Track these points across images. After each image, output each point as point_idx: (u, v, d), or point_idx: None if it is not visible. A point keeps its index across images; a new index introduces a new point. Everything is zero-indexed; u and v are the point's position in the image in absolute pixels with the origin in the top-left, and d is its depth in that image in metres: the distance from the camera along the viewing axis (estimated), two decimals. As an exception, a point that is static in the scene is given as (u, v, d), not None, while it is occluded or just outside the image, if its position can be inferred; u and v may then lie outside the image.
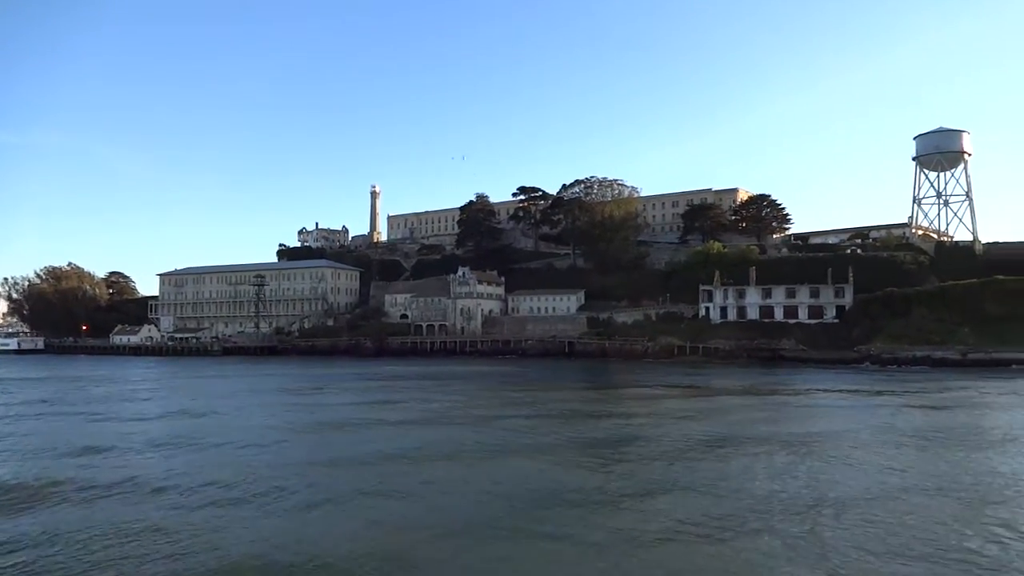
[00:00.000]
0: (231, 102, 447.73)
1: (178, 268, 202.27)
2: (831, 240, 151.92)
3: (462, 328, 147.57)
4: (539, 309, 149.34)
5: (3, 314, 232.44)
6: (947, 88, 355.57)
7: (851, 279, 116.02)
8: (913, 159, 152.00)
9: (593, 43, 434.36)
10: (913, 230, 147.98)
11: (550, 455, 31.67)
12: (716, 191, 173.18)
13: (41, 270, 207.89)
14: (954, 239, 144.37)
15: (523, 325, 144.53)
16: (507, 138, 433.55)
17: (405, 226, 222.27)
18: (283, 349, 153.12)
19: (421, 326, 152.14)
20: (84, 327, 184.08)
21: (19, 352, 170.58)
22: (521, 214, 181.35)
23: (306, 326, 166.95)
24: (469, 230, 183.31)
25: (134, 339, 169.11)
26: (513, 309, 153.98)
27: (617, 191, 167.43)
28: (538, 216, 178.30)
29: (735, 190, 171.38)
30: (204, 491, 24.92)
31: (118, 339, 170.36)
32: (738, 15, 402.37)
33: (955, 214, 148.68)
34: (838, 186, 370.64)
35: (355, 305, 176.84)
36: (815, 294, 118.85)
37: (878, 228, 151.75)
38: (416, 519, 21.35)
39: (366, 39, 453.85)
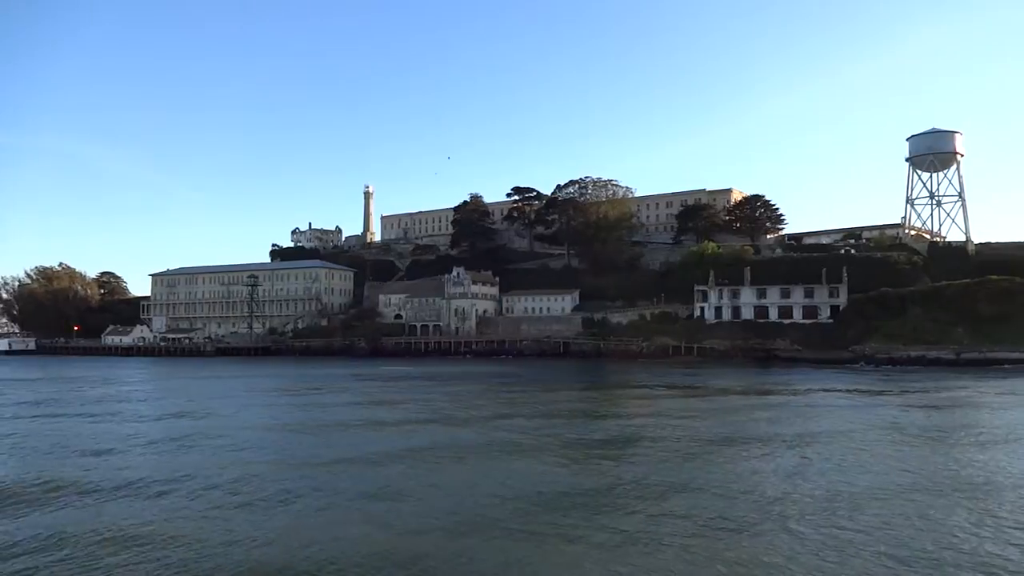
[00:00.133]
0: (223, 102, 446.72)
1: (170, 268, 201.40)
2: (824, 240, 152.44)
3: (456, 329, 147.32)
4: (534, 309, 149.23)
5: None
6: (940, 89, 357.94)
7: (846, 279, 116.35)
8: (906, 160, 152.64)
9: (587, 43, 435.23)
10: (906, 230, 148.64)
11: (553, 456, 31.54)
12: (710, 191, 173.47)
13: (32, 270, 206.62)
14: (947, 239, 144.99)
15: (518, 326, 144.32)
16: (501, 138, 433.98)
17: (399, 226, 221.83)
18: (277, 350, 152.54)
19: (415, 326, 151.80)
20: (75, 328, 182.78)
21: (10, 353, 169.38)
22: (515, 214, 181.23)
23: (300, 327, 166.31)
24: (463, 230, 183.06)
25: (126, 340, 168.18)
26: (508, 310, 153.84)
27: (612, 191, 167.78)
28: (532, 216, 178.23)
29: (729, 190, 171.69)
30: (207, 494, 24.70)
31: (110, 340, 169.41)
32: (732, 15, 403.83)
33: (948, 215, 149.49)
34: (831, 186, 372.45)
35: (349, 305, 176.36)
36: (810, 294, 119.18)
37: (871, 228, 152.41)
38: (424, 520, 21.21)
39: (359, 39, 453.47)
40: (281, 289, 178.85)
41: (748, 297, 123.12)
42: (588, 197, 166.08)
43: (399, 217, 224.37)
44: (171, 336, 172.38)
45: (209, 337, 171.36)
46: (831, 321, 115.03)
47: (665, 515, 20.89)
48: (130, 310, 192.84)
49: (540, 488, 24.81)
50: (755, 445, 33.38)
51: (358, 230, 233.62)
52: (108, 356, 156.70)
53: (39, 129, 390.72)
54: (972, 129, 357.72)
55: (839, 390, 61.00)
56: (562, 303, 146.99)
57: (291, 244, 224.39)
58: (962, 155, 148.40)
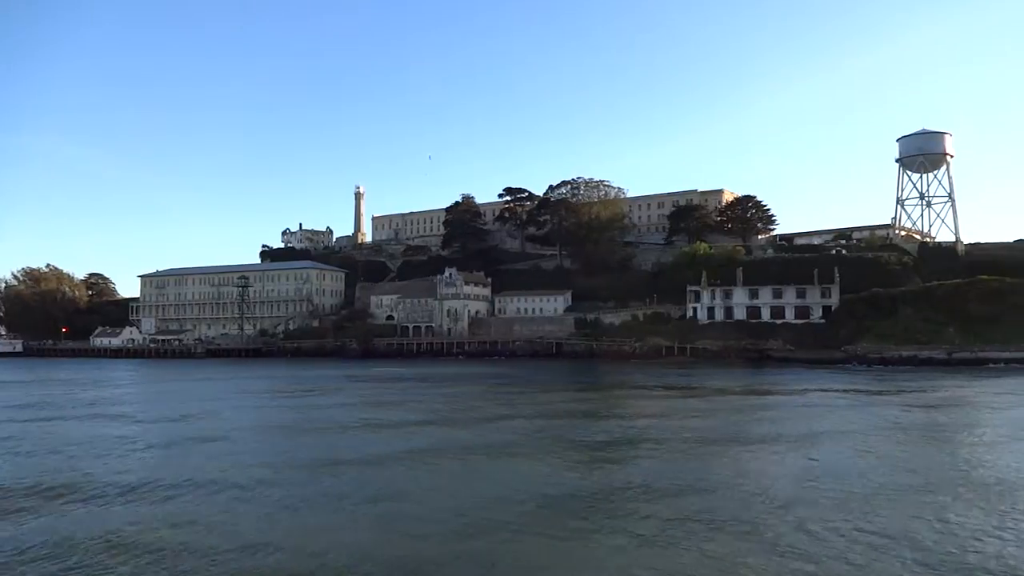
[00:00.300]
0: (212, 102, 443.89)
1: (159, 269, 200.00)
2: (816, 241, 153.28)
3: (449, 329, 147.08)
4: (526, 310, 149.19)
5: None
6: (930, 90, 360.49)
7: (837, 279, 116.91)
8: (896, 161, 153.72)
9: (579, 45, 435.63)
10: (896, 231, 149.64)
11: (559, 457, 31.35)
12: (701, 192, 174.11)
13: (18, 271, 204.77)
14: (936, 240, 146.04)
15: (510, 326, 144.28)
16: (493, 139, 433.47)
17: (390, 227, 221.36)
18: (268, 351, 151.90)
19: (407, 327, 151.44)
20: (63, 329, 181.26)
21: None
22: (507, 215, 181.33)
23: (291, 328, 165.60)
24: (455, 231, 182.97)
25: (115, 341, 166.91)
26: (500, 310, 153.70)
27: (604, 192, 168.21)
28: (524, 217, 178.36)
29: (720, 191, 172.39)
30: (212, 498, 24.31)
31: (99, 341, 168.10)
32: (723, 17, 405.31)
33: (938, 215, 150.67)
34: (822, 187, 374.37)
35: (340, 306, 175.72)
36: (801, 294, 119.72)
37: (861, 229, 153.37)
38: (434, 522, 20.97)
39: (349, 38, 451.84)
40: (272, 290, 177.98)
41: (740, 297, 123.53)
42: (580, 198, 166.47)
43: (390, 218, 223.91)
44: (161, 338, 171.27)
45: (199, 339, 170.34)
46: (823, 321, 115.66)
47: (679, 518, 20.62)
48: (118, 312, 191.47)
49: (550, 490, 24.58)
50: (761, 445, 33.29)
51: (349, 231, 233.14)
52: (97, 358, 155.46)
53: (23, 129, 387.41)
54: (962, 130, 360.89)
55: (836, 390, 61.15)
56: (554, 304, 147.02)
57: (281, 245, 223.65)
58: (952, 156, 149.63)
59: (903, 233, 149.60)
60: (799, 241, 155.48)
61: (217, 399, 60.72)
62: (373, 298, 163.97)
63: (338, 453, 32.82)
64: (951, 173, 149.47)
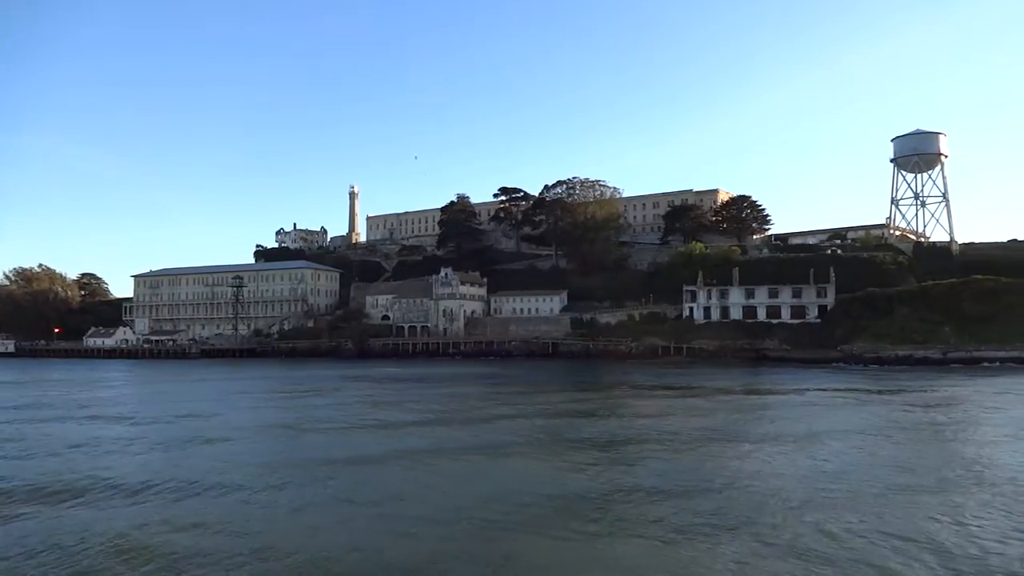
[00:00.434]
0: (206, 103, 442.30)
1: (153, 269, 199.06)
2: (811, 241, 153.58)
3: (444, 329, 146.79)
4: (522, 310, 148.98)
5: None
6: (924, 90, 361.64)
7: (833, 279, 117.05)
8: (891, 161, 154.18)
9: (573, 45, 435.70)
10: (891, 231, 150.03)
11: (561, 457, 31.27)
12: (697, 192, 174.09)
13: (10, 272, 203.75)
14: (931, 240, 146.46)
15: (506, 326, 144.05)
16: (488, 138, 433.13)
17: (385, 227, 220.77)
18: (263, 351, 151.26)
19: (403, 327, 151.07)
20: (56, 330, 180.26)
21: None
22: (503, 215, 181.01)
23: (286, 328, 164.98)
24: (450, 231, 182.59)
25: (109, 342, 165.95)
26: (496, 310, 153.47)
27: (599, 192, 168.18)
28: (520, 217, 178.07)
29: (716, 191, 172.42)
30: (220, 499, 24.19)
31: (92, 342, 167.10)
32: (718, 17, 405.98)
33: (932, 215, 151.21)
34: (816, 187, 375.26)
35: (335, 306, 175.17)
36: (797, 294, 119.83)
37: (856, 229, 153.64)
38: (430, 522, 20.88)
39: (344, 38, 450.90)
40: (266, 290, 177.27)
41: (736, 297, 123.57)
42: (576, 197, 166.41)
43: (385, 217, 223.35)
44: (154, 338, 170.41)
45: (193, 339, 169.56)
46: (819, 321, 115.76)
47: (693, 520, 20.38)
48: (111, 312, 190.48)
49: (561, 491, 24.45)
50: (766, 444, 33.26)
51: (343, 231, 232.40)
52: (90, 358, 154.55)
53: (17, 129, 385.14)
54: (956, 130, 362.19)
55: (836, 389, 61.18)
56: (550, 304, 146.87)
57: (275, 245, 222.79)
58: (946, 156, 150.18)
59: (898, 233, 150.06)
60: (794, 241, 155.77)
61: (214, 400, 60.39)
62: (368, 298, 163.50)
63: (339, 453, 32.66)
64: (945, 173, 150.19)
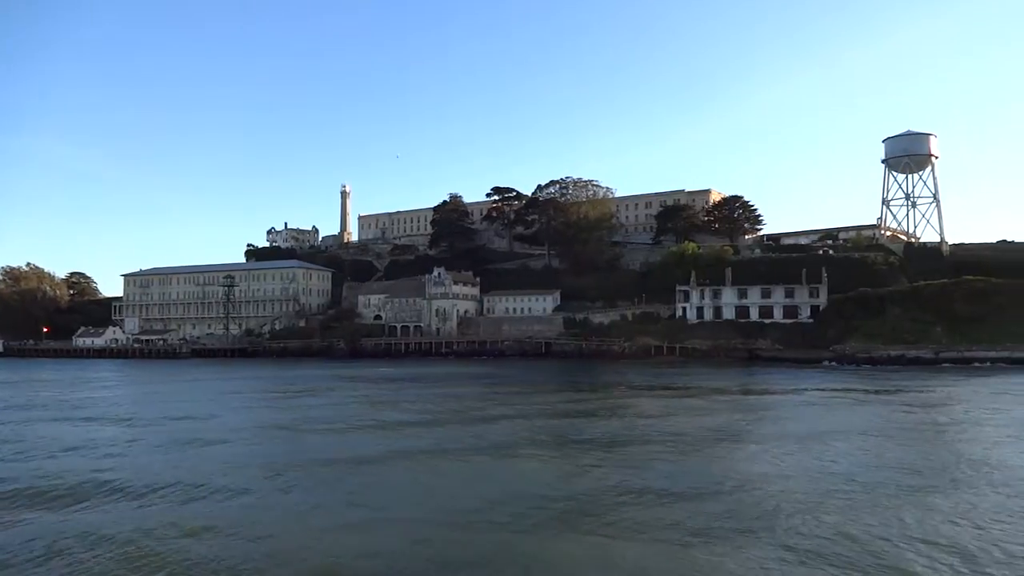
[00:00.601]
0: (197, 102, 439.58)
1: (143, 268, 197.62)
2: (802, 241, 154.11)
3: (437, 329, 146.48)
4: (515, 310, 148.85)
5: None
6: (915, 91, 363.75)
7: (825, 279, 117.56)
8: (882, 161, 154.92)
9: (565, 44, 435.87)
10: (882, 231, 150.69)
11: (567, 458, 31.21)
12: (689, 192, 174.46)
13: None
14: (921, 240, 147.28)
15: (499, 326, 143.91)
16: (481, 138, 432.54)
17: (376, 226, 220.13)
18: (254, 351, 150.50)
19: (395, 327, 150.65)
20: (45, 329, 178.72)
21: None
22: (495, 215, 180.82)
23: (277, 327, 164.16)
24: (442, 230, 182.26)
25: (99, 341, 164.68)
26: (488, 310, 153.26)
27: (592, 192, 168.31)
28: (512, 216, 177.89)
29: (708, 191, 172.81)
30: (229, 501, 24.03)
31: (81, 341, 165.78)
32: (710, 17, 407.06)
33: (923, 216, 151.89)
34: (808, 187, 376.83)
35: (327, 306, 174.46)
36: (790, 294, 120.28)
37: (847, 229, 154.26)
38: (433, 523, 20.84)
39: (336, 38, 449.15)
40: (258, 289, 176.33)
41: (729, 297, 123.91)
42: (569, 197, 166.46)
43: (377, 217, 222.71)
44: (144, 337, 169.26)
45: (184, 338, 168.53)
46: (811, 321, 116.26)
47: (712, 526, 20.23)
48: (101, 311, 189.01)
49: (573, 492, 24.35)
50: (772, 446, 33.24)
51: (335, 230, 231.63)
52: (80, 358, 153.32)
53: (8, 129, 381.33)
54: (946, 131, 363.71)
55: (833, 389, 61.35)
56: (543, 303, 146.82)
57: (267, 244, 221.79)
58: (937, 157, 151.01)
59: (888, 233, 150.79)
60: (786, 241, 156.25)
61: (209, 401, 59.99)
62: (361, 298, 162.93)
63: (342, 455, 32.55)
64: (936, 174, 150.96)
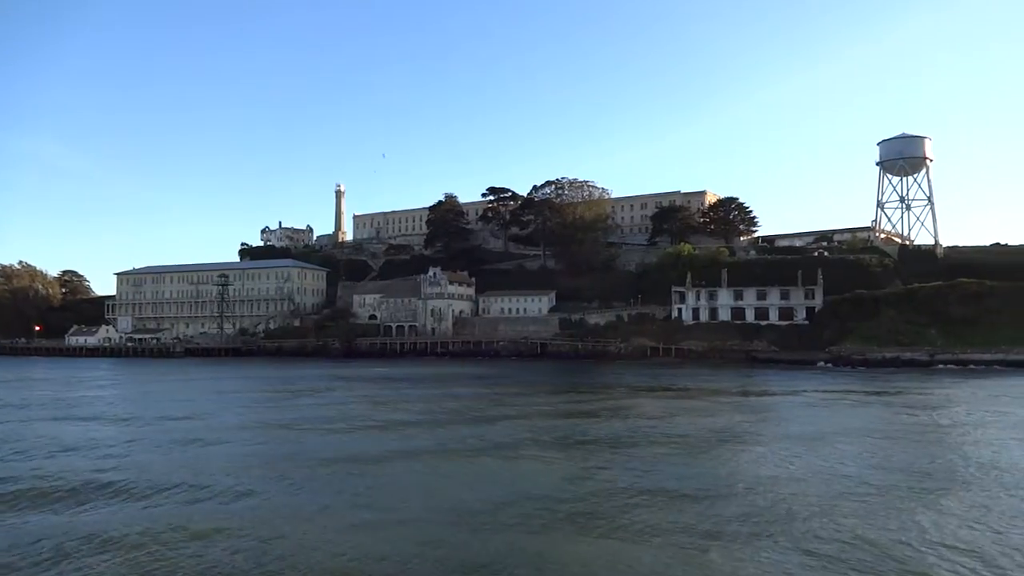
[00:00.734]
0: (190, 101, 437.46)
1: (136, 267, 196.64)
2: (797, 243, 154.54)
3: (433, 329, 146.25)
4: (510, 310, 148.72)
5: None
6: (910, 93, 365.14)
7: (821, 281, 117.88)
8: (877, 164, 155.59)
9: (561, 45, 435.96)
10: (877, 233, 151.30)
11: (572, 458, 31.13)
12: (684, 193, 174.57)
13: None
14: (915, 243, 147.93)
15: (495, 326, 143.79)
16: (476, 138, 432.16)
17: (371, 226, 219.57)
18: (248, 351, 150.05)
19: (391, 327, 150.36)
20: (37, 328, 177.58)
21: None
22: (491, 215, 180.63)
23: (271, 327, 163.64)
24: (438, 230, 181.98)
25: (91, 340, 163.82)
26: (484, 310, 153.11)
27: (588, 192, 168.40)
28: (508, 217, 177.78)
29: (703, 192, 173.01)
30: (237, 502, 23.86)
31: (74, 340, 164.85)
32: (704, 18, 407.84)
33: (917, 218, 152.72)
34: (803, 190, 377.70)
35: (322, 305, 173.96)
36: (785, 296, 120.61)
37: (842, 231, 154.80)
38: (453, 525, 20.71)
39: (332, 37, 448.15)
40: (252, 289, 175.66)
41: (725, 299, 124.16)
42: (564, 198, 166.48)
43: (371, 216, 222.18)
44: (138, 336, 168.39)
45: (178, 337, 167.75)
46: (807, 323, 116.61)
47: (728, 529, 19.99)
48: (93, 310, 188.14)
49: (584, 493, 24.23)
50: (779, 447, 33.19)
51: (329, 229, 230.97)
52: (73, 357, 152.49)
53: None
54: (941, 134, 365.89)
55: (835, 391, 61.42)
56: (539, 304, 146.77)
57: (261, 243, 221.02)
58: (931, 160, 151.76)
59: (883, 236, 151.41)
60: (781, 243, 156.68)
61: (207, 400, 59.71)
62: (356, 297, 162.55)
63: (347, 456, 32.40)
64: (930, 177, 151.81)
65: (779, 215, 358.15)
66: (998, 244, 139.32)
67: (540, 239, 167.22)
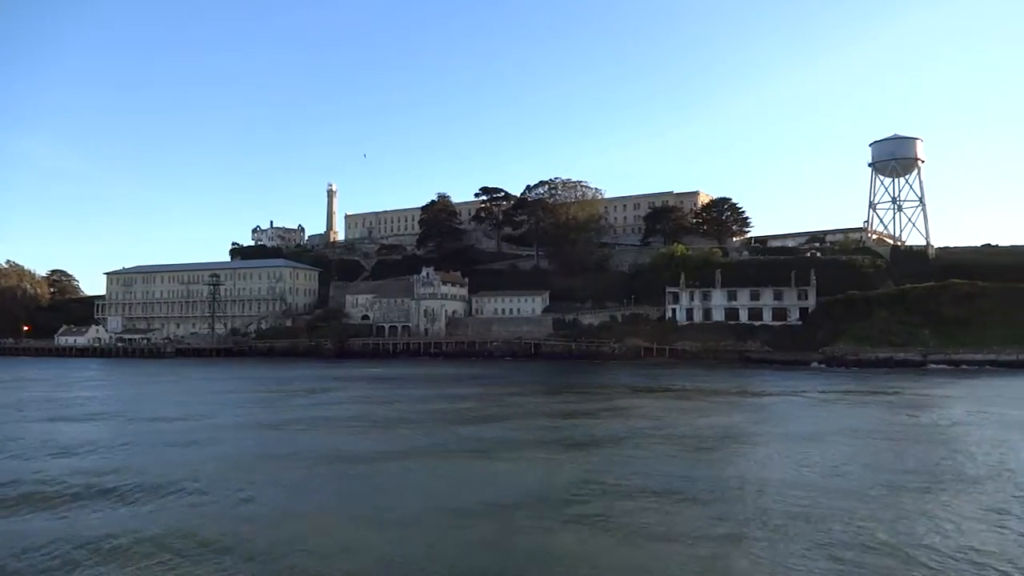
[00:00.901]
0: (181, 100, 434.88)
1: (126, 267, 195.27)
2: (790, 243, 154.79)
3: (426, 330, 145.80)
4: (504, 311, 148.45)
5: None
6: (902, 94, 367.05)
7: (814, 282, 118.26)
8: (869, 165, 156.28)
9: (556, 44, 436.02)
10: (869, 234, 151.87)
11: (577, 459, 31.00)
12: (677, 194, 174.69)
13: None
14: (907, 243, 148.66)
15: (488, 327, 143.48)
16: (469, 138, 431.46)
17: (363, 225, 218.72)
18: (240, 351, 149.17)
19: (383, 327, 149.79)
20: (25, 328, 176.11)
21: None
22: (483, 215, 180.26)
23: (263, 327, 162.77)
24: (430, 230, 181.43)
25: (81, 340, 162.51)
26: (477, 311, 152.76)
27: (581, 193, 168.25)
28: (501, 217, 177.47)
29: (696, 193, 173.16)
30: (229, 500, 23.69)
31: (64, 340, 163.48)
32: (697, 18, 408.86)
33: (909, 219, 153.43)
34: (795, 190, 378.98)
35: (314, 306, 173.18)
36: (779, 296, 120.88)
37: (834, 232, 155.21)
38: (460, 526, 20.56)
39: (321, 35, 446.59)
40: (243, 289, 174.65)
41: (719, 299, 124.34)
42: (557, 198, 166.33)
43: (363, 216, 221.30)
44: (128, 336, 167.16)
45: (168, 338, 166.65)
46: (800, 323, 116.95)
47: (744, 532, 19.84)
48: (83, 309, 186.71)
49: (593, 494, 24.08)
50: (784, 448, 33.16)
51: (321, 229, 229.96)
52: (62, 357, 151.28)
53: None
54: (932, 135, 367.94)
55: (833, 391, 61.47)
56: (532, 304, 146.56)
57: (252, 243, 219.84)
58: (923, 161, 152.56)
59: (875, 236, 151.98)
60: (773, 243, 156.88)
61: (203, 401, 59.32)
62: (348, 297, 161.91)
63: (345, 455, 32.47)
64: (922, 178, 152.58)
65: (771, 215, 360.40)
66: (989, 245, 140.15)
67: (533, 239, 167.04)
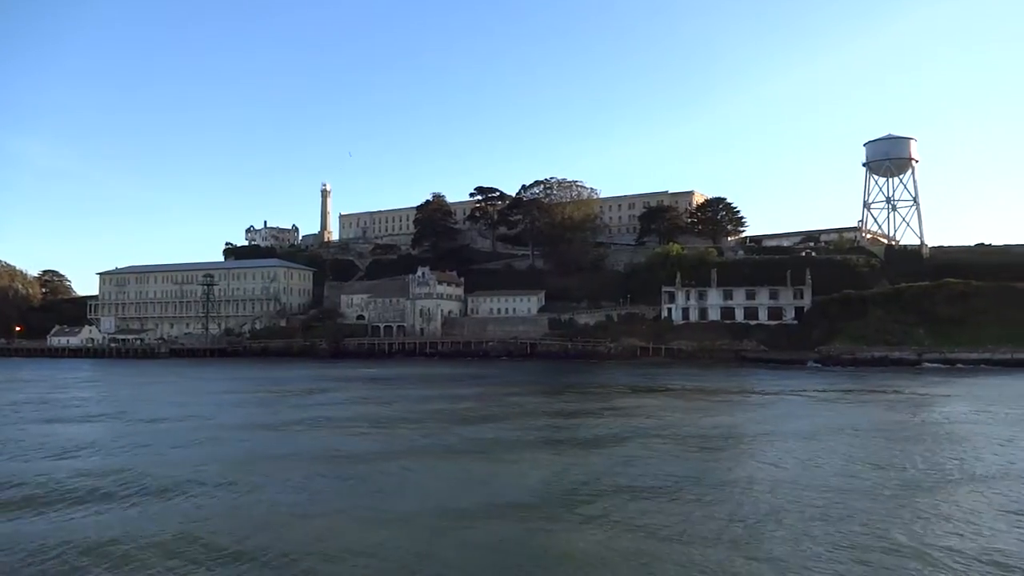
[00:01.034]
0: (175, 100, 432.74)
1: (119, 267, 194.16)
2: (784, 243, 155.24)
3: (421, 330, 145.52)
4: (499, 310, 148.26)
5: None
6: (895, 93, 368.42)
7: (809, 281, 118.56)
8: (863, 164, 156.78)
9: (551, 44, 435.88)
10: (863, 234, 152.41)
11: (582, 459, 30.88)
12: (672, 193, 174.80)
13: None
14: (901, 243, 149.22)
15: (484, 326, 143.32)
16: (464, 137, 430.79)
17: (358, 225, 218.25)
18: (234, 351, 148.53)
19: (379, 327, 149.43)
20: (17, 328, 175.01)
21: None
22: (479, 214, 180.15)
23: (257, 327, 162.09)
24: (425, 230, 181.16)
25: (74, 340, 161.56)
26: (473, 310, 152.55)
27: (576, 192, 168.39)
28: (496, 217, 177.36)
29: (691, 193, 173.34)
30: (225, 498, 23.48)
31: (56, 340, 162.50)
32: (692, 18, 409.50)
33: (903, 219, 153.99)
34: (789, 190, 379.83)
35: (308, 306, 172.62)
36: (774, 296, 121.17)
37: (829, 232, 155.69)
38: (464, 527, 20.40)
39: (316, 34, 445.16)
40: (238, 289, 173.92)
41: (715, 299, 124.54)
42: (553, 198, 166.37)
43: (358, 216, 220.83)
44: (121, 337, 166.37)
45: (162, 338, 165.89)
46: (796, 322, 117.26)
47: (759, 534, 19.77)
48: (75, 310, 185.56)
49: (602, 494, 23.93)
50: (790, 446, 33.09)
51: (315, 229, 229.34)
52: (55, 358, 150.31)
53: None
54: (926, 134, 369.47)
55: (833, 391, 61.53)
56: (528, 304, 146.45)
57: (246, 243, 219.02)
58: (917, 161, 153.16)
59: (869, 236, 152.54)
60: (768, 243, 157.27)
61: (200, 401, 58.96)
62: (343, 297, 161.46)
63: (346, 455, 32.26)
64: (916, 177, 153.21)
65: (766, 215, 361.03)
66: (982, 244, 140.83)
67: (528, 239, 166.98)
